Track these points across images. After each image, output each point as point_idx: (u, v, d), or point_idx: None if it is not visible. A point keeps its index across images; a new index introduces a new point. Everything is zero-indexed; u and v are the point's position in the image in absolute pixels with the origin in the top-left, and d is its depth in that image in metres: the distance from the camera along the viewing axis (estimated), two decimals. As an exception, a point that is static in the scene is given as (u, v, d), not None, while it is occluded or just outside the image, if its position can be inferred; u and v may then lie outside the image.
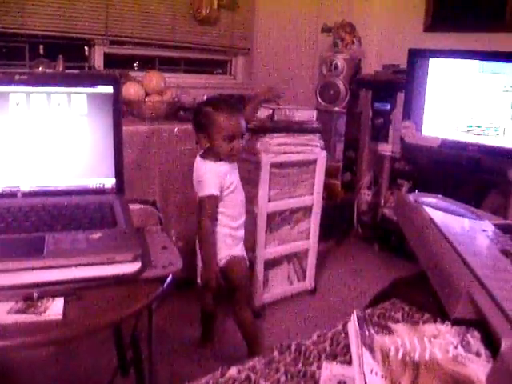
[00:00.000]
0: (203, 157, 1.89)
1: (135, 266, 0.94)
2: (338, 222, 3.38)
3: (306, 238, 2.70)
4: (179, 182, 2.57)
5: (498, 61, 2.77)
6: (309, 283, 2.79)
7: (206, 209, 1.82)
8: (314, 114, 2.55)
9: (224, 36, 3.40)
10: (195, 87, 3.11)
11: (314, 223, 2.67)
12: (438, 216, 1.43)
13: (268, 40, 3.63)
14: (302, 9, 3.71)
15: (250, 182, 2.43)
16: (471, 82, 2.85)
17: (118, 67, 2.97)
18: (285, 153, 2.43)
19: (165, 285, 0.98)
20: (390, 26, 3.59)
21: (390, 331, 0.72)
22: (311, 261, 2.76)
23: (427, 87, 3.00)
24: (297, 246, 2.68)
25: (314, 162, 2.56)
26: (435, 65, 2.99)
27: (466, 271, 0.96)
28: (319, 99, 3.35)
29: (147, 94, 2.61)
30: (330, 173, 3.15)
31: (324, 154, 2.58)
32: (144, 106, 2.54)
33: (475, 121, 2.84)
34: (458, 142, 2.87)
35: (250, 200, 2.40)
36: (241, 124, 1.85)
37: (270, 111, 2.38)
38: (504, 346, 0.64)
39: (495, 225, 1.40)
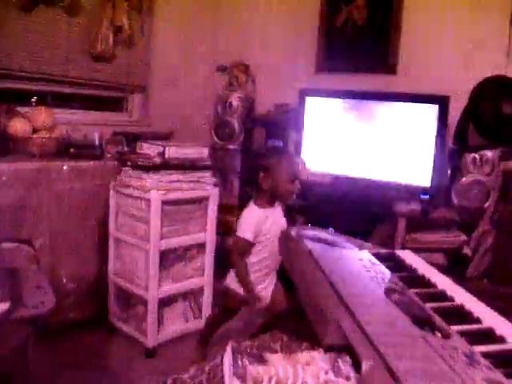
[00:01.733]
0: (255, 202, 2.17)
1: (3, 307, 0.96)
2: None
3: (201, 274, 2.78)
4: (70, 221, 2.59)
5: (380, 100, 3.09)
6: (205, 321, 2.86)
7: (237, 247, 2.12)
8: (206, 151, 2.68)
9: (120, 73, 3.48)
10: (90, 124, 3.16)
11: (208, 260, 2.77)
12: (316, 248, 1.58)
13: (165, 78, 3.76)
14: (198, 48, 3.89)
15: (141, 219, 2.51)
16: (360, 120, 3.14)
17: (9, 101, 2.91)
18: (176, 190, 2.53)
19: (37, 324, 1.00)
20: (283, 66, 3.85)
21: (264, 361, 0.78)
22: (207, 298, 2.84)
23: (318, 125, 3.26)
24: (192, 283, 2.76)
25: (207, 198, 2.68)
26: (324, 104, 3.27)
27: (336, 300, 1.08)
28: (215, 137, 3.51)
29: (36, 131, 2.62)
30: (226, 209, 3.28)
31: (216, 190, 2.71)
32: (31, 143, 2.56)
33: (363, 157, 3.12)
34: (349, 178, 3.13)
35: (142, 237, 2.47)
36: (300, 167, 2.19)
37: (161, 148, 2.49)
38: (364, 367, 0.75)
39: (374, 254, 1.57)
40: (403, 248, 2.85)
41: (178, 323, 2.76)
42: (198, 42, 3.86)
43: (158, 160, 2.47)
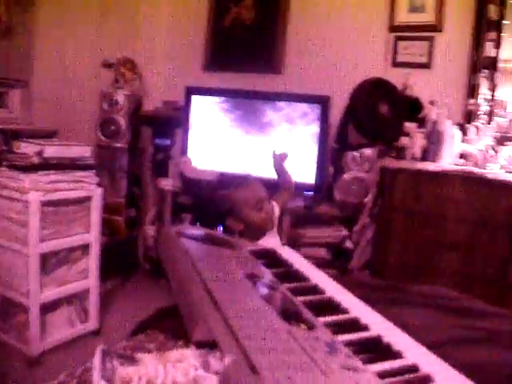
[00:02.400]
0: None
1: None
2: (123, 259, 3.47)
3: (86, 277, 2.73)
4: None
5: (265, 99, 3.19)
6: (92, 324, 2.82)
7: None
8: (89, 150, 2.64)
9: (-3, 66, 3.32)
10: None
11: (93, 262, 2.73)
12: (193, 247, 1.61)
13: (47, 73, 3.63)
14: (84, 42, 3.80)
15: (19, 222, 2.42)
16: (245, 118, 3.22)
17: None
18: (57, 190, 2.47)
19: None
20: (171, 63, 3.86)
21: (136, 362, 0.77)
22: (93, 301, 2.79)
23: (204, 123, 3.31)
24: (76, 286, 2.70)
25: (89, 198, 2.64)
26: (211, 103, 3.32)
27: (207, 297, 1.11)
28: (100, 135, 3.45)
29: None
30: (113, 209, 3.24)
31: (99, 190, 2.67)
32: None
33: (249, 155, 3.21)
34: (235, 175, 3.20)
35: (21, 241, 2.39)
36: (259, 188, 1.98)
37: (39, 147, 2.42)
38: (226, 361, 0.78)
39: (252, 251, 1.63)
40: (290, 244, 2.97)
41: (63, 329, 2.69)
42: (83, 36, 3.76)
43: (36, 160, 2.39)
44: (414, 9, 3.28)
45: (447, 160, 2.76)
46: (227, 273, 1.42)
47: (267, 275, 1.39)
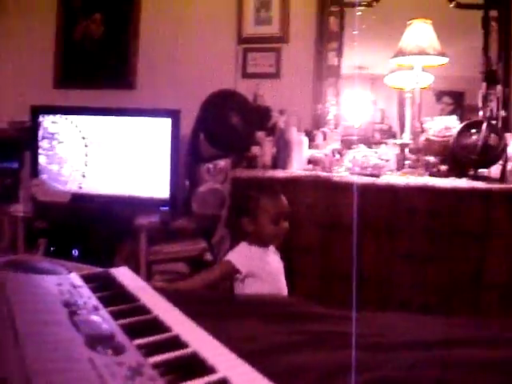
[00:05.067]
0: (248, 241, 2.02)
1: None
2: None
3: None
4: None
5: (118, 115, 3.17)
6: None
7: (213, 270, 2.01)
8: None
9: None
10: None
11: None
12: (12, 279, 1.54)
13: None
14: None
15: None
16: (99, 136, 3.17)
17: None
18: None
19: None
20: (18, 81, 3.72)
21: None
22: None
23: (55, 143, 3.22)
24: None
25: None
26: (61, 121, 3.23)
27: (8, 333, 1.06)
28: None
29: None
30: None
31: None
32: None
33: (103, 173, 3.16)
34: (90, 195, 3.15)
35: None
36: (285, 204, 2.02)
37: None
38: None
39: (83, 276, 1.59)
40: (148, 262, 2.96)
41: None
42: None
43: None
44: (260, 21, 3.41)
45: (296, 166, 2.88)
46: (42, 302, 1.37)
47: (90, 300, 1.36)
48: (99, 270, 1.73)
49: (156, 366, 0.90)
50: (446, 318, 1.83)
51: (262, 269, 2.03)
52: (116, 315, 1.16)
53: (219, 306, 1.79)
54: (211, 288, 2.04)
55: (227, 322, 1.60)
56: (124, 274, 1.67)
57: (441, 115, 3.21)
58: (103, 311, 1.23)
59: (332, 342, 1.46)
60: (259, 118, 3.07)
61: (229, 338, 1.37)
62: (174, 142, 3.02)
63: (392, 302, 2.70)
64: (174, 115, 3.03)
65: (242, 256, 2.03)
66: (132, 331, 1.05)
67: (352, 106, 3.36)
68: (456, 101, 3.46)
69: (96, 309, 1.24)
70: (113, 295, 1.42)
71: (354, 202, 2.70)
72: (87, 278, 1.59)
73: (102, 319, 1.18)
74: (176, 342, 1.02)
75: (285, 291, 2.09)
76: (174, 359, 0.95)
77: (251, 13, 3.42)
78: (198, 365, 0.93)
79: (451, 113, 3.34)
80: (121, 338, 1.02)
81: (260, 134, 2.98)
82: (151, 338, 1.04)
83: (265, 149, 2.91)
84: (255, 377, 0.92)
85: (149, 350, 0.96)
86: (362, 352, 1.39)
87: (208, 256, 2.99)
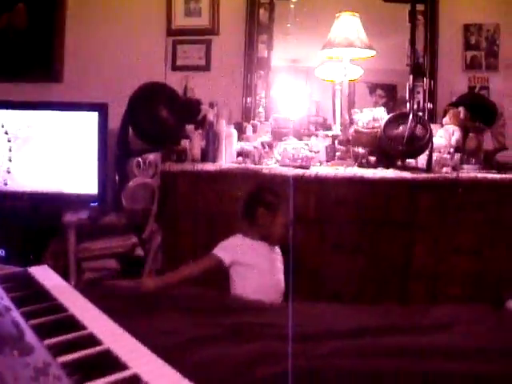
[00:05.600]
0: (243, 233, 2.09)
1: None
2: None
3: None
4: None
5: (43, 109, 3.06)
6: None
7: (197, 263, 2.05)
8: None
9: None
10: None
11: None
12: None
13: None
14: None
15: None
16: (24, 131, 3.05)
17: None
18: None
19: None
20: None
21: None
22: None
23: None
24: None
25: None
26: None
27: None
28: None
29: None
30: None
31: None
32: None
33: (29, 169, 3.05)
34: (15, 192, 3.04)
35: None
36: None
37: None
38: None
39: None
40: (77, 259, 2.89)
41: None
42: None
43: None
44: (189, 13, 3.38)
45: (226, 159, 2.86)
46: None
47: (1, 301, 1.31)
48: (17, 269, 1.68)
49: (65, 365, 0.89)
50: (369, 307, 1.87)
51: (253, 260, 2.05)
52: (28, 315, 1.14)
53: (143, 301, 1.77)
54: (197, 280, 2.07)
55: (150, 316, 1.58)
56: (43, 273, 1.63)
57: (374, 107, 3.26)
58: (15, 312, 1.19)
59: (250, 333, 1.47)
60: (189, 111, 3.03)
61: (148, 332, 1.36)
62: (101, 136, 2.95)
63: (323, 293, 2.73)
64: (102, 109, 2.96)
65: (228, 246, 2.08)
66: (45, 331, 1.04)
67: (287, 98, 3.37)
68: (388, 93, 3.52)
69: (7, 309, 1.20)
70: (28, 295, 1.37)
71: (286, 193, 2.71)
72: (3, 278, 1.53)
73: (11, 320, 1.15)
74: (90, 340, 1.02)
75: (282, 287, 2.11)
76: (85, 357, 0.94)
77: (180, 4, 3.38)
78: (110, 362, 0.92)
79: (384, 105, 3.40)
80: (30, 338, 1.00)
81: (190, 128, 2.95)
82: (63, 337, 1.02)
83: (194, 142, 2.88)
84: (167, 372, 0.91)
85: (59, 350, 0.94)
86: (280, 342, 1.40)
87: (139, 251, 2.94)
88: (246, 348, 1.36)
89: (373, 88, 3.56)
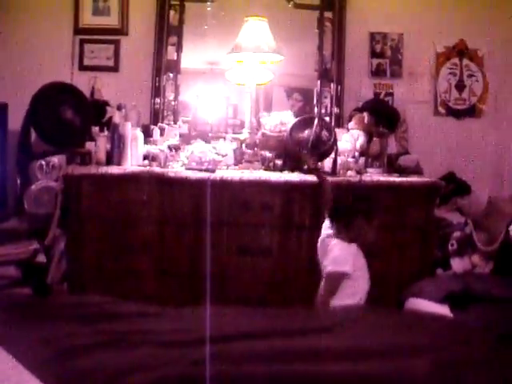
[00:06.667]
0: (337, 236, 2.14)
1: None
2: None
3: None
4: None
5: None
6: None
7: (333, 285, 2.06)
8: None
9: None
10: None
11: None
12: None
13: None
14: None
15: None
16: None
17: None
18: None
19: None
20: None
21: None
22: None
23: None
24: None
25: None
26: None
27: None
28: None
29: None
30: None
31: None
32: None
33: None
34: None
35: None
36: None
37: None
38: None
39: None
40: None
41: None
42: None
43: None
44: (98, 12, 3.32)
45: (132, 162, 2.83)
46: None
47: None
48: None
49: None
50: (258, 310, 1.89)
51: (361, 263, 2.19)
52: None
53: (28, 311, 1.72)
54: None
55: (32, 326, 1.54)
56: None
57: (292, 111, 3.31)
58: None
59: (131, 340, 1.46)
60: (95, 112, 2.97)
61: (30, 342, 1.32)
62: (0, 137, 2.83)
63: (231, 296, 2.74)
64: (1, 109, 2.84)
65: (342, 257, 2.13)
66: None
67: (202, 101, 3.35)
68: (305, 97, 3.58)
69: None
70: None
71: (191, 197, 2.71)
72: None
73: None
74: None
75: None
76: None
77: (89, 2, 3.31)
78: None
79: (301, 109, 3.47)
80: None
81: (95, 130, 2.89)
82: None
83: (99, 144, 2.82)
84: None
85: None
86: (158, 349, 1.39)
87: (41, 258, 2.85)
88: (123, 356, 1.35)
89: (290, 92, 3.62)
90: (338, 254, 2.13)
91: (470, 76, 3.60)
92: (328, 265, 2.13)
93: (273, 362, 1.28)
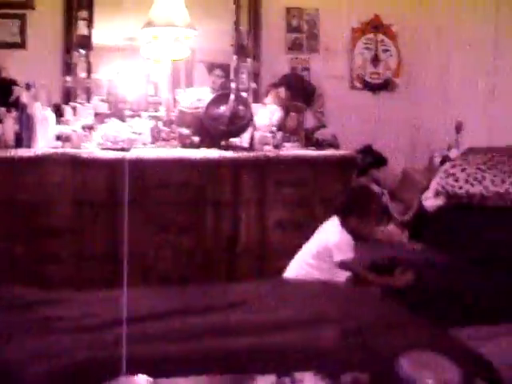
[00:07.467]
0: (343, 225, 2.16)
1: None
2: None
3: None
4: None
5: None
6: None
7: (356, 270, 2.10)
8: None
9: None
10: None
11: None
12: None
13: None
14: None
15: None
16: None
17: None
18: None
19: None
20: None
21: None
22: None
23: None
24: None
25: None
26: None
27: None
28: None
29: None
30: None
31: None
32: None
33: None
34: None
35: None
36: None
37: None
38: None
39: None
40: None
41: None
42: None
43: None
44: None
45: (42, 144, 2.72)
46: None
47: None
48: None
49: None
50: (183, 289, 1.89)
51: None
52: None
53: None
54: None
55: None
56: None
57: (212, 87, 3.27)
58: None
59: (34, 329, 1.43)
60: (0, 92, 2.83)
61: None
62: None
63: (152, 276, 2.72)
64: None
65: (346, 244, 2.17)
66: None
67: (121, 79, 3.25)
68: (226, 73, 3.55)
69: None
70: None
71: (106, 177, 2.65)
72: None
73: None
74: None
75: None
76: None
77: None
78: None
79: (222, 85, 3.43)
80: None
81: (1, 110, 2.75)
82: None
83: (6, 126, 2.70)
84: None
85: None
86: (64, 335, 1.36)
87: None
88: (25, 346, 1.32)
89: (211, 68, 3.58)
90: (341, 241, 2.20)
91: (385, 51, 3.68)
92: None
93: (186, 339, 1.28)
